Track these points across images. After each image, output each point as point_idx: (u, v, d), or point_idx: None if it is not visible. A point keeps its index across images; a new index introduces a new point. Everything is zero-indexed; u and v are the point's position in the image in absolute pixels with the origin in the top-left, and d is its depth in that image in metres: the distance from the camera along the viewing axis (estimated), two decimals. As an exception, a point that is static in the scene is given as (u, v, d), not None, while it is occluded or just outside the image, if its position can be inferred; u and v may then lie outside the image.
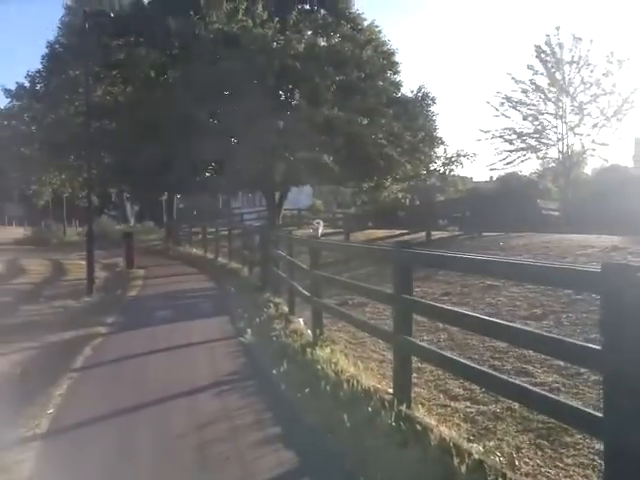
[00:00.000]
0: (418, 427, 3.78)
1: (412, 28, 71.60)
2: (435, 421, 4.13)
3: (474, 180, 50.31)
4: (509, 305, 8.39)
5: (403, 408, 4.09)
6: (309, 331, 6.95)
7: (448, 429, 3.86)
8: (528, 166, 34.76)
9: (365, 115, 15.09)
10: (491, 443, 3.84)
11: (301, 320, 7.65)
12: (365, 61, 17.14)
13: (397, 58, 19.30)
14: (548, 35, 26.68)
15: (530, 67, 26.92)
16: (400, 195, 42.33)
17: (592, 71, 26.07)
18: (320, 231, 6.42)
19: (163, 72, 16.27)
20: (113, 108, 17.28)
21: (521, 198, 23.58)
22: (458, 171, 28.90)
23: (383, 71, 18.16)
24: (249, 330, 7.34)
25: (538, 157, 28.42)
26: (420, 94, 19.68)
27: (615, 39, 63.83)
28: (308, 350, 5.86)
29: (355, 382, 4.74)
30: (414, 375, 5.44)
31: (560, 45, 26.45)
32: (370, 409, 4.18)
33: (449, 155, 25.77)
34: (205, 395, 5.06)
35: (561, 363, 5.54)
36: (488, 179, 45.58)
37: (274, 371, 5.47)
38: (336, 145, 14.30)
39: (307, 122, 14.06)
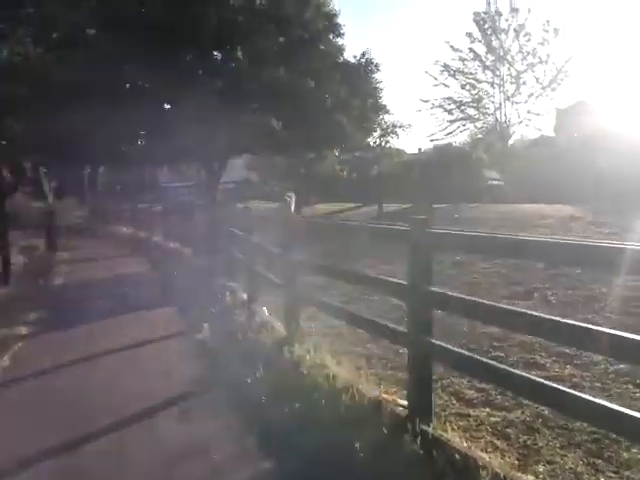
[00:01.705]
0: (456, 455, 3.00)
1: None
2: (463, 438, 3.38)
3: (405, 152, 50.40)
4: (486, 283, 7.87)
5: (426, 427, 3.29)
6: (279, 324, 6.01)
7: (489, 455, 3.10)
8: (457, 137, 34.94)
9: (311, 78, 14.03)
10: (541, 468, 3.14)
11: (265, 310, 6.69)
12: (307, 21, 15.93)
13: (340, 20, 18.16)
14: (489, 2, 26.60)
15: (468, 34, 26.85)
16: (338, 167, 41.70)
17: (529, 40, 26.34)
18: (292, 207, 5.43)
19: (81, 27, 14.31)
20: (23, 69, 15.09)
21: (464, 168, 23.54)
22: (393, 142, 28.48)
23: (326, 33, 17.02)
24: (205, 324, 6.29)
25: (476, 127, 28.61)
26: (364, 60, 18.73)
27: (552, 6, 65.53)
28: (285, 349, 4.93)
29: (355, 391, 3.89)
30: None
31: (498, 12, 26.44)
32: (385, 429, 3.36)
33: (385, 126, 25.22)
34: (165, 417, 4.03)
35: (567, 350, 5.02)
36: (417, 151, 45.74)
37: (248, 379, 4.51)
38: (283, 110, 13.17)
39: (250, 84, 12.80)
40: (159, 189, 39.10)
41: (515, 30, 26.06)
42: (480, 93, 27.45)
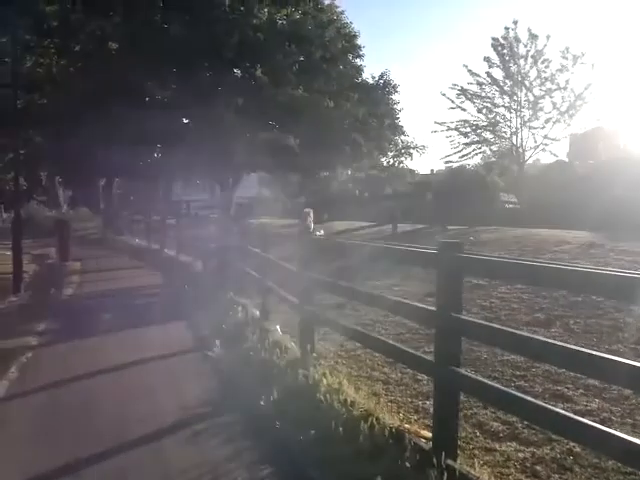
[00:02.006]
0: (486, 497, 2.80)
1: (372, 15, 70.86)
2: (491, 475, 3.18)
3: (418, 173, 50.39)
4: (505, 309, 7.62)
5: (452, 463, 3.09)
6: (293, 344, 5.84)
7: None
8: (472, 160, 34.78)
9: (330, 98, 14.03)
10: (578, 514, 2.93)
11: (279, 328, 6.53)
12: (327, 41, 16.03)
13: (359, 42, 18.29)
14: (507, 28, 26.65)
15: (487, 59, 26.84)
16: (350, 185, 41.71)
17: (547, 66, 26.25)
18: (311, 224, 5.31)
19: (104, 41, 14.47)
20: (46, 80, 15.28)
21: (479, 191, 23.35)
22: (406, 163, 28.44)
23: (345, 54, 17.11)
24: (217, 341, 6.14)
25: (491, 150, 28.46)
26: (382, 81, 18.81)
27: (571, 34, 65.86)
28: (300, 372, 4.75)
29: (374, 420, 3.70)
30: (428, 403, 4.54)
31: (517, 39, 26.45)
32: (408, 463, 3.17)
33: (400, 146, 25.20)
34: (174, 441, 3.85)
35: (596, 383, 4.80)
36: (429, 172, 45.72)
37: (261, 402, 4.34)
38: (302, 128, 13.15)
39: (269, 101, 12.81)
40: (172, 202, 39.28)
41: (533, 56, 26.05)
42: (497, 117, 27.42)
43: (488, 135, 27.70)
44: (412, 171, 46.18)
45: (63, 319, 8.08)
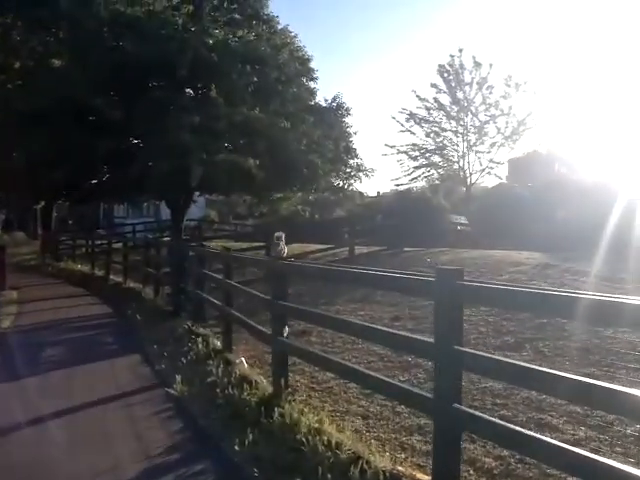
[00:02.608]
0: None
1: (320, 39, 71.94)
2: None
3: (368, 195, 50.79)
4: (473, 332, 7.49)
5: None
6: (262, 378, 5.46)
7: None
8: (421, 182, 35.41)
9: (286, 119, 13.87)
10: None
11: (244, 360, 6.13)
12: (282, 64, 15.95)
13: (312, 65, 18.35)
14: (452, 55, 27.59)
15: (434, 85, 27.65)
16: (300, 208, 41.58)
17: (491, 92, 27.31)
18: (285, 249, 5.00)
19: (48, 58, 13.74)
20: (-19, 97, 14.32)
21: (428, 213, 23.75)
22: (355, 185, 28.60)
23: (299, 76, 17.09)
24: (177, 376, 5.65)
25: (439, 173, 29.13)
26: (335, 104, 18.90)
27: (514, 62, 69.34)
28: (276, 410, 4.38)
29: (364, 463, 3.40)
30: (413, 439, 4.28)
31: (462, 66, 27.40)
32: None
33: (349, 169, 25.38)
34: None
35: (578, 409, 4.70)
36: (375, 194, 46.18)
37: (236, 446, 3.93)
38: (258, 149, 12.86)
39: (225, 121, 12.47)
40: (115, 225, 37.86)
41: (478, 83, 27.10)
42: (444, 141, 28.20)
43: (437, 159, 28.41)
44: (361, 193, 46.53)
45: (0, 356, 7.32)
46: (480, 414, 2.88)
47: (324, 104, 19.12)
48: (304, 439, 3.84)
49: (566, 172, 44.65)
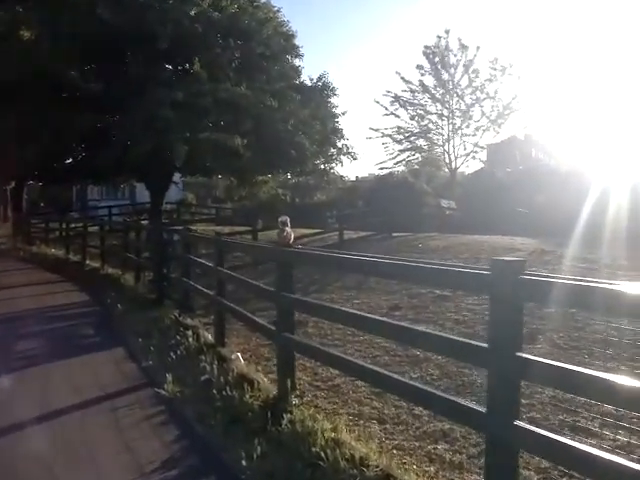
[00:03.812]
0: None
1: (304, 19, 70.33)
2: None
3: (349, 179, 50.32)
4: (480, 322, 7.13)
5: None
6: (262, 376, 4.97)
7: None
8: (406, 167, 35.11)
9: (272, 97, 13.20)
10: None
11: (240, 356, 5.62)
12: (266, 38, 15.20)
13: (297, 42, 17.61)
14: (439, 37, 27.07)
15: (419, 67, 27.14)
16: (280, 192, 40.88)
17: (477, 76, 26.90)
18: (292, 235, 4.48)
19: (16, 29, 12.74)
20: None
21: (415, 197, 23.41)
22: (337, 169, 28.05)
23: (284, 53, 16.37)
24: (167, 375, 5.12)
25: (423, 157, 28.76)
26: (320, 83, 18.23)
27: (500, 46, 69.19)
28: (285, 416, 3.90)
29: (396, 483, 2.95)
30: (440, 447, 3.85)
31: (448, 48, 26.93)
32: None
33: (333, 151, 24.80)
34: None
35: (612, 410, 4.33)
36: (354, 179, 45.74)
37: (243, 460, 3.45)
38: (244, 128, 12.19)
39: (209, 97, 11.76)
40: (88, 207, 36.71)
41: (465, 65, 26.69)
42: (429, 125, 27.79)
43: (422, 142, 28.00)
44: (342, 177, 46.07)
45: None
46: (546, 433, 2.44)
47: (309, 83, 18.44)
48: (322, 452, 3.37)
49: (543, 158, 44.94)
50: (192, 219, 29.63)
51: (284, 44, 16.58)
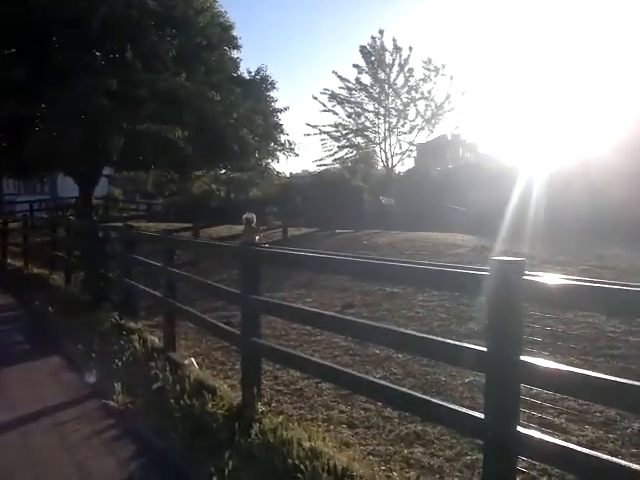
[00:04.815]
0: None
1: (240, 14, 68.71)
2: None
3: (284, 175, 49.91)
4: (435, 319, 7.17)
5: None
6: (221, 383, 4.68)
7: None
8: (342, 164, 35.27)
9: (212, 89, 12.70)
10: None
11: (193, 360, 5.29)
12: (203, 27, 14.63)
13: (235, 33, 17.12)
14: (373, 37, 27.34)
15: (356, 65, 27.30)
16: (214, 187, 39.94)
17: (412, 75, 27.45)
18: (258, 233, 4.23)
19: None
20: None
21: (351, 194, 23.53)
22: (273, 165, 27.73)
23: (222, 43, 15.84)
24: (116, 384, 4.71)
25: (359, 154, 29.01)
26: (259, 76, 17.84)
27: (434, 46, 70.89)
28: (254, 426, 3.65)
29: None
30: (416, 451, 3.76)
31: (383, 47, 27.25)
32: None
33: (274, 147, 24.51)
34: None
35: (575, 404, 4.41)
36: (288, 175, 45.49)
37: (214, 477, 3.17)
38: (185, 122, 11.62)
39: (147, 88, 11.09)
40: (5, 202, 34.17)
41: (400, 65, 27.16)
42: (365, 122, 28.06)
43: (359, 140, 28.24)
44: (279, 173, 45.66)
45: None
46: (549, 438, 2.37)
47: (248, 77, 18.00)
48: (299, 463, 3.16)
49: (470, 157, 46.82)
50: (120, 215, 28.25)
51: (222, 34, 16.06)
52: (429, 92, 27.46)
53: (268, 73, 17.81)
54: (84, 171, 13.53)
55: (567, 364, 2.49)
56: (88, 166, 12.82)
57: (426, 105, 27.97)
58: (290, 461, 3.22)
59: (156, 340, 6.08)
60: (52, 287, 10.05)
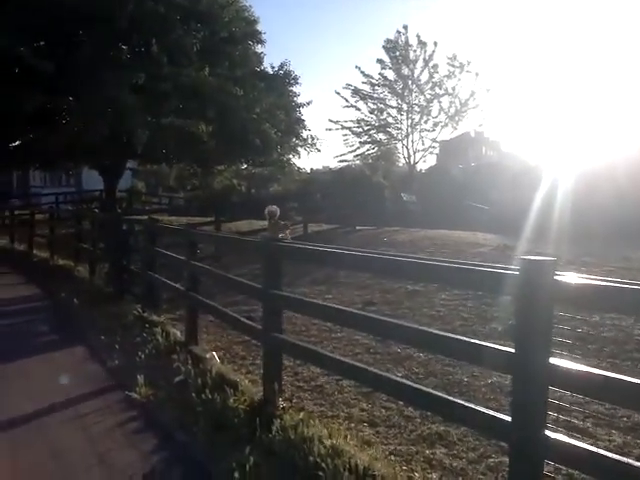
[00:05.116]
0: None
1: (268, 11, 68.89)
2: None
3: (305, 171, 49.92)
4: (457, 318, 7.08)
5: None
6: (242, 377, 4.70)
7: None
8: (364, 160, 35.09)
9: (235, 84, 12.75)
10: None
11: (215, 355, 5.31)
12: (228, 22, 14.67)
13: (259, 28, 17.13)
14: (398, 32, 27.10)
15: (380, 60, 27.10)
16: (236, 182, 40.14)
17: (436, 71, 27.17)
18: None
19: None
20: None
21: (373, 191, 23.41)
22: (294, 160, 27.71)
23: (246, 38, 15.87)
24: (138, 376, 4.74)
25: (381, 150, 28.83)
26: (282, 71, 17.83)
27: (459, 42, 70.18)
28: (275, 422, 3.64)
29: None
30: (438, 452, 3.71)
31: (407, 43, 27.01)
32: None
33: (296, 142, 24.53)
34: None
35: (602, 408, 4.30)
36: (309, 171, 45.47)
37: (235, 472, 3.17)
38: (208, 116, 11.69)
39: (170, 83, 11.18)
40: (32, 195, 34.83)
41: (424, 60, 26.91)
42: (388, 118, 27.89)
43: (382, 136, 28.07)
44: (300, 169, 45.68)
45: None
46: (578, 443, 2.31)
47: (271, 71, 18.02)
48: (320, 461, 3.14)
49: (493, 155, 46.15)
50: (143, 208, 28.56)
51: (246, 29, 16.09)
52: (453, 89, 27.23)
53: (291, 68, 17.80)
54: (109, 164, 13.71)
55: (594, 367, 2.42)
56: (113, 159, 12.99)
57: (450, 102, 27.72)
58: (311, 458, 3.20)
59: (178, 333, 6.13)
60: (77, 279, 10.21)
